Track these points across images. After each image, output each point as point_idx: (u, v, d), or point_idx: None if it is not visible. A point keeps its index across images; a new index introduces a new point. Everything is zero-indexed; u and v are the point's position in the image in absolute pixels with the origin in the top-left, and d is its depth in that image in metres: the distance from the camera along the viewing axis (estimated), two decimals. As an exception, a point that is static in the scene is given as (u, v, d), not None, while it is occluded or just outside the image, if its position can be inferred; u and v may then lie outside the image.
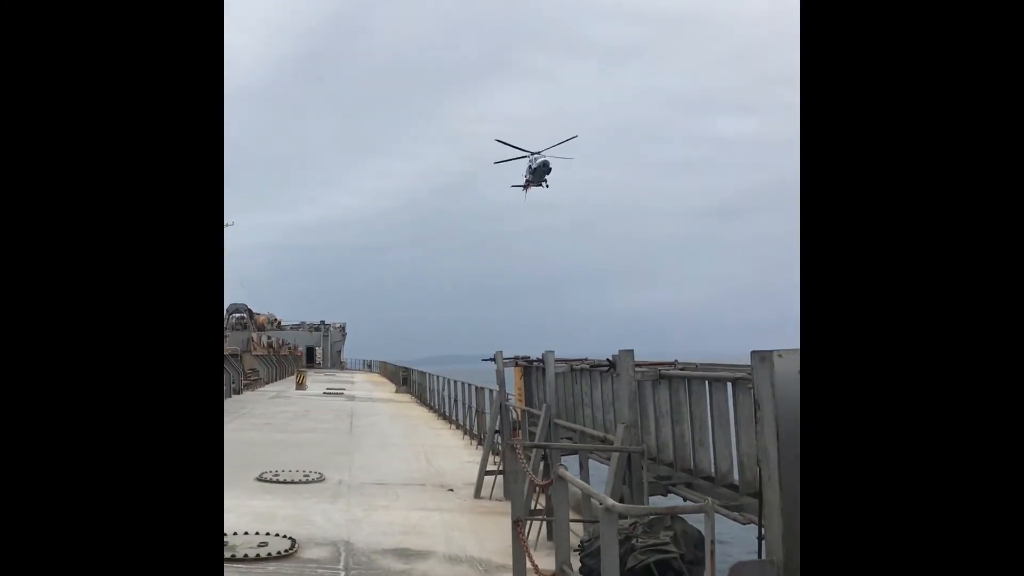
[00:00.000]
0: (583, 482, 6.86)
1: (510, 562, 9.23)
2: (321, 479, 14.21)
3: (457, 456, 18.45)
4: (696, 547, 6.44)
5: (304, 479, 14.14)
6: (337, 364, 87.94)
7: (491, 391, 19.28)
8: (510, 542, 10.08)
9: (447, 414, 27.16)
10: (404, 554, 9.46)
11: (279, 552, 9.03)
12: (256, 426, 23.45)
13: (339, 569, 8.71)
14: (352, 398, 37.89)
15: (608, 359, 7.86)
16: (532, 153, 59.54)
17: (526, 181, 60.69)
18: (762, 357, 4.52)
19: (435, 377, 32.54)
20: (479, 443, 20.34)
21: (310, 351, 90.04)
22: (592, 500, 7.09)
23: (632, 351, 7.51)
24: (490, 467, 14.01)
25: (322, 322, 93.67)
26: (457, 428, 24.18)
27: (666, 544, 6.33)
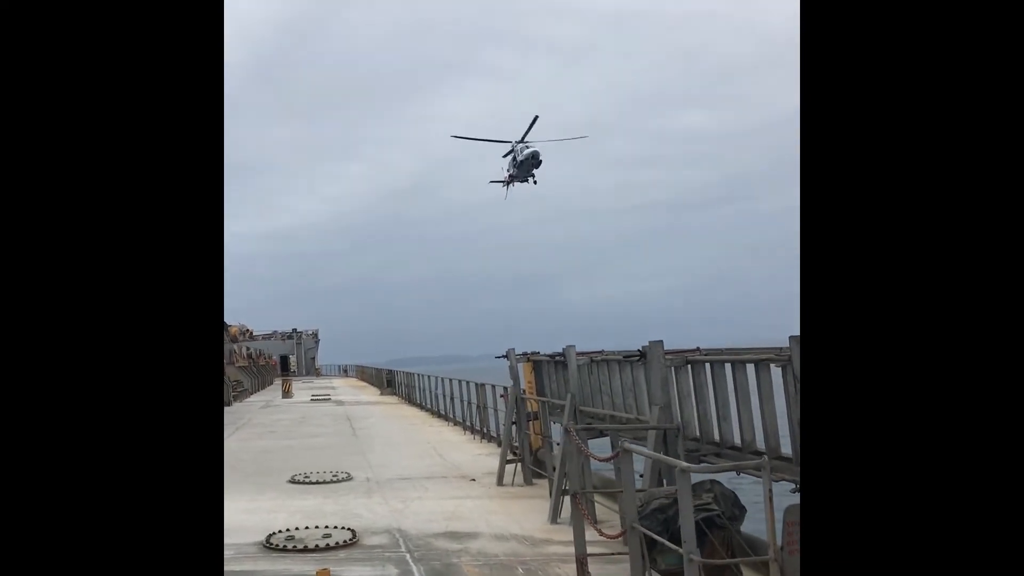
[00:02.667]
0: (652, 451, 7.89)
1: (551, 537, 10.35)
2: (349, 478, 15.12)
3: (466, 450, 19.43)
4: (733, 505, 7.54)
5: (334, 479, 15.05)
6: (312, 371, 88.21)
7: (493, 386, 20.32)
8: (544, 521, 11.21)
9: (442, 412, 28.06)
10: (454, 536, 10.46)
11: (344, 541, 9.97)
12: (261, 434, 24.21)
13: (403, 552, 9.68)
14: (341, 403, 38.61)
15: (639, 349, 8.94)
16: (517, 142, 48.38)
17: (508, 176, 49.60)
18: (798, 340, 5.61)
19: (425, 377, 33.43)
20: (482, 437, 21.38)
21: (284, 360, 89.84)
22: (666, 465, 8.11)
23: (661, 342, 8.61)
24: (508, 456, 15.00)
25: (294, 330, 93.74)
26: (455, 425, 25.12)
27: (708, 504, 7.41)
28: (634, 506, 6.76)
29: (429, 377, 32.36)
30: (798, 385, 5.64)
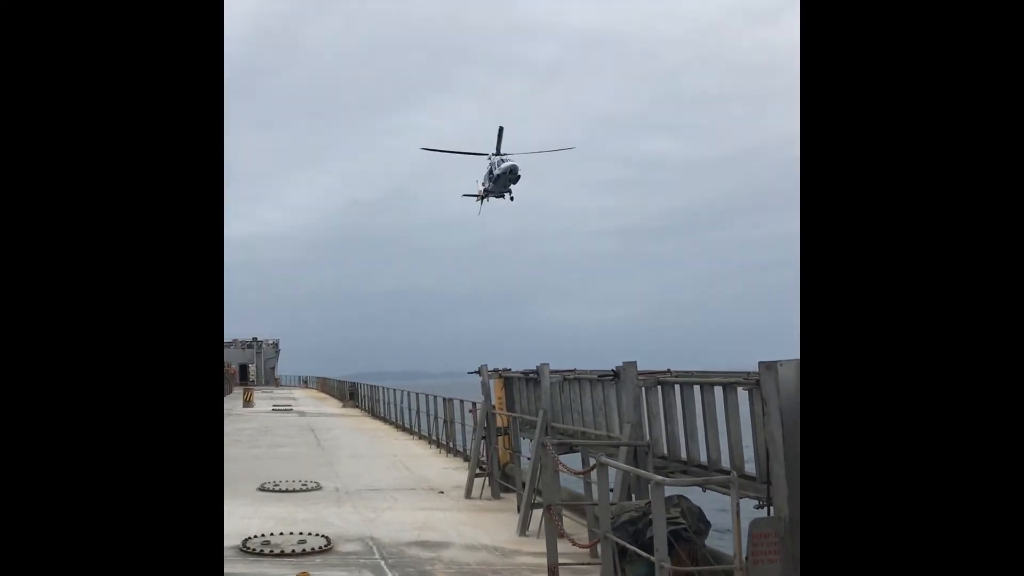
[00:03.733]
0: (628, 465, 8.29)
1: (520, 548, 10.70)
2: (318, 487, 15.32)
3: (433, 463, 19.70)
4: (699, 520, 7.97)
5: (303, 488, 15.24)
6: (272, 381, 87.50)
7: (461, 401, 20.63)
8: (513, 533, 11.56)
9: (407, 426, 28.25)
10: (426, 545, 10.77)
11: (320, 547, 10.24)
12: (229, 443, 24.17)
13: (377, 559, 9.96)
14: (303, 414, 38.55)
15: (612, 369, 9.36)
16: (493, 154, 44.73)
17: (484, 190, 46.25)
18: (768, 366, 6.06)
19: (391, 391, 33.58)
20: (447, 451, 21.65)
21: (243, 369, 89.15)
22: (635, 480, 8.50)
23: (635, 363, 9.04)
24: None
25: (255, 339, 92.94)
26: (421, 439, 25.34)
27: (676, 518, 7.83)
28: (608, 517, 7.14)
29: (395, 391, 32.52)
30: (765, 408, 6.08)
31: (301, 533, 10.97)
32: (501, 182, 44.63)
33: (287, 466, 18.43)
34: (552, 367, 12.73)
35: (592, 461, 10.22)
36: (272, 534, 10.87)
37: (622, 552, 7.42)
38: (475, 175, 47.38)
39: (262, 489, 15.09)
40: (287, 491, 14.91)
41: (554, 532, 8.16)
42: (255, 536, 10.69)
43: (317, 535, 10.88)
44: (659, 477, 6.22)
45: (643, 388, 9.17)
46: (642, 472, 7.32)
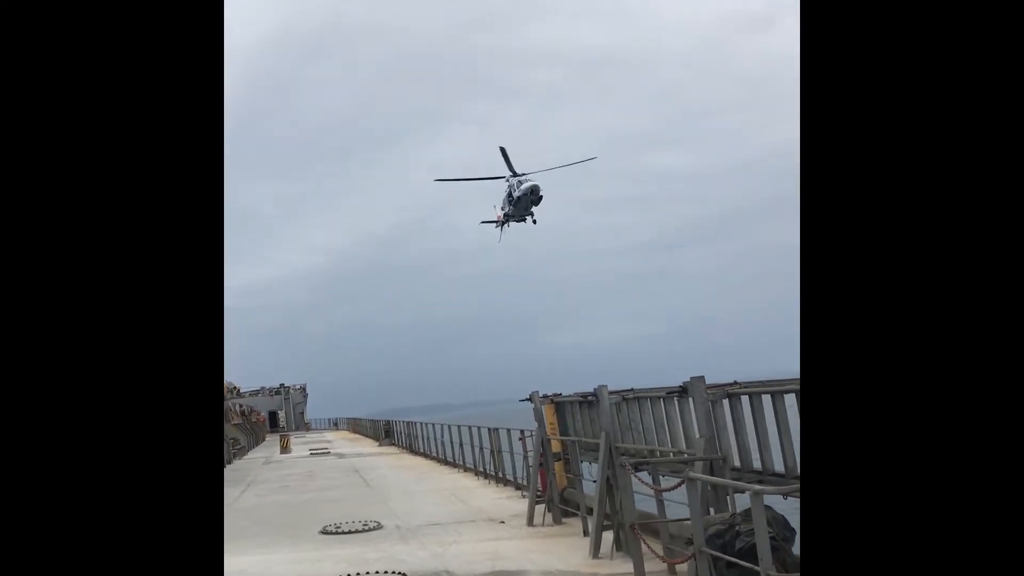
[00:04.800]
0: (718, 478, 8.38)
1: (597, 571, 10.75)
2: (379, 526, 15.42)
3: (485, 494, 19.75)
4: (784, 528, 8.04)
5: (365, 528, 15.35)
6: (302, 426, 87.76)
7: (508, 431, 20.72)
8: (585, 556, 11.62)
9: (450, 459, 28.31)
10: (503, 573, 10.84)
11: (400, 584, 10.34)
12: (276, 490, 24.37)
13: (458, 591, 10.05)
14: (342, 456, 38.70)
15: (680, 385, 9.48)
16: (512, 175, 42.04)
17: (504, 215, 43.35)
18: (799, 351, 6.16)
19: (428, 426, 33.69)
20: (496, 482, 21.70)
21: (272, 415, 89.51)
22: (736, 489, 8.57)
23: (703, 377, 9.16)
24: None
25: (282, 385, 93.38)
26: (466, 471, 25.40)
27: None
28: (701, 531, 7.23)
29: (432, 425, 32.62)
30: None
31: (378, 572, 11.07)
32: (522, 204, 42.01)
33: (342, 508, 18.55)
34: (575, 389, 12.77)
35: (662, 478, 10.32)
36: (350, 574, 10.98)
37: (712, 566, 7.50)
38: (490, 201, 45.13)
39: (324, 532, 15.20)
40: (350, 532, 15.02)
41: (640, 551, 8.24)
42: (335, 577, 10.81)
43: (394, 573, 10.98)
44: (758, 487, 6.32)
45: (710, 402, 9.27)
46: (738, 484, 7.42)
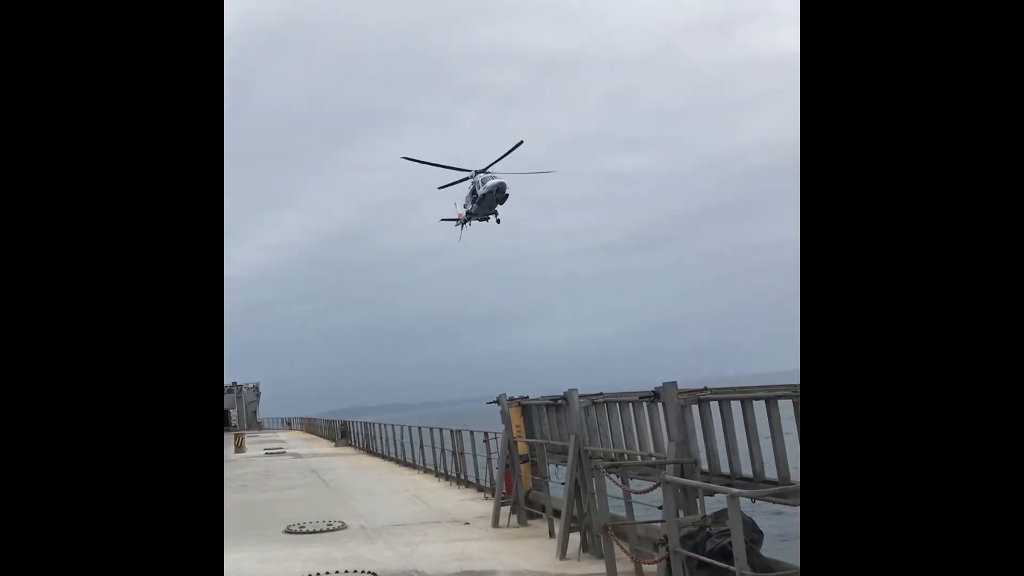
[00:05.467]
0: (696, 480, 8.60)
1: (565, 571, 10.93)
2: (344, 527, 15.44)
3: (447, 496, 19.84)
4: (753, 530, 8.30)
5: (329, 528, 15.36)
6: (254, 425, 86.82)
7: (471, 432, 20.84)
8: (553, 558, 11.79)
9: (409, 460, 28.31)
10: (472, 573, 10.98)
11: (371, 583, 10.41)
12: (235, 489, 24.14)
13: (429, 591, 10.16)
14: (298, 455, 38.44)
15: (652, 391, 9.70)
16: (476, 172, 40.13)
17: (467, 213, 41.40)
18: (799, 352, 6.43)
19: (387, 427, 33.63)
20: (458, 483, 21.79)
21: (225, 414, 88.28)
22: (712, 492, 8.77)
23: (675, 383, 9.39)
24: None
25: (234, 383, 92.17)
26: (426, 472, 25.44)
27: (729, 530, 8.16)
28: (675, 533, 7.45)
29: (392, 426, 32.57)
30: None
31: (347, 571, 11.14)
32: (487, 203, 39.88)
33: (303, 507, 18.50)
34: (541, 390, 12.89)
35: (632, 481, 10.54)
36: (320, 574, 11.02)
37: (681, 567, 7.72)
38: (450, 198, 43.16)
39: (288, 532, 15.18)
40: (315, 532, 15.02)
41: (612, 552, 8.43)
42: (306, 576, 10.85)
43: (364, 572, 11.06)
44: (734, 490, 6.55)
45: (680, 406, 9.50)
46: (714, 487, 7.65)
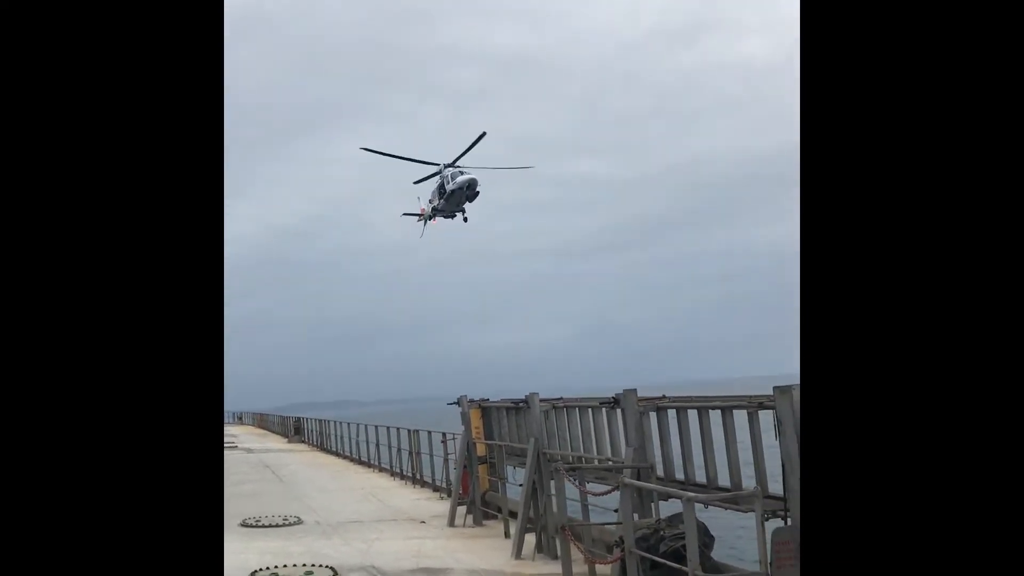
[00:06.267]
0: (654, 484, 8.87)
1: (520, 570, 11.19)
2: (300, 522, 15.52)
3: (402, 495, 19.97)
4: (704, 534, 8.62)
5: (285, 522, 15.43)
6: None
7: (429, 433, 20.99)
8: (508, 557, 12.03)
9: (364, 459, 28.33)
10: (429, 571, 11.17)
11: (329, 577, 10.55)
12: (187, 481, 23.99)
13: (387, 586, 10.33)
14: (250, 451, 38.16)
15: (612, 397, 9.99)
16: (446, 166, 36.74)
17: (432, 209, 38.10)
18: (783, 390, 6.76)
19: (343, 424, 33.57)
20: (413, 483, 21.92)
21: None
22: (669, 496, 9.01)
23: (635, 390, 9.69)
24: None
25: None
26: (381, 471, 25.50)
27: (683, 534, 8.46)
28: (631, 534, 7.73)
29: (348, 424, 32.53)
30: (781, 427, 6.75)
31: (305, 565, 11.26)
32: (455, 199, 36.69)
33: (258, 502, 18.49)
34: (488, 392, 13.04)
35: (588, 484, 10.82)
36: (277, 567, 11.13)
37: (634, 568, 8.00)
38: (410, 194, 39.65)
39: (244, 525, 15.23)
40: (271, 526, 15.09)
41: (568, 552, 8.69)
42: (261, 569, 10.94)
43: (322, 566, 11.18)
44: (690, 494, 6.84)
45: (639, 413, 9.81)
46: (670, 491, 7.93)
